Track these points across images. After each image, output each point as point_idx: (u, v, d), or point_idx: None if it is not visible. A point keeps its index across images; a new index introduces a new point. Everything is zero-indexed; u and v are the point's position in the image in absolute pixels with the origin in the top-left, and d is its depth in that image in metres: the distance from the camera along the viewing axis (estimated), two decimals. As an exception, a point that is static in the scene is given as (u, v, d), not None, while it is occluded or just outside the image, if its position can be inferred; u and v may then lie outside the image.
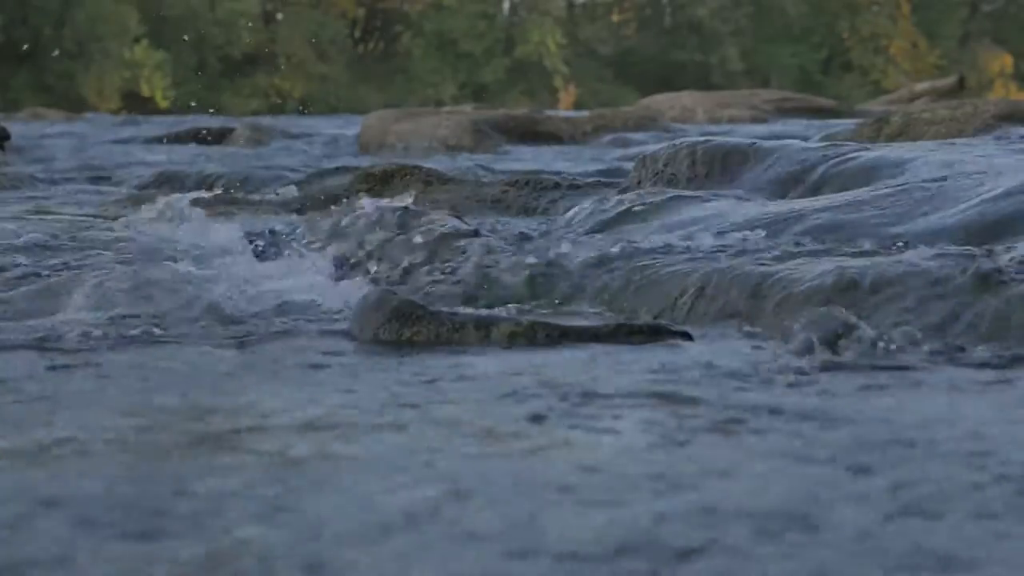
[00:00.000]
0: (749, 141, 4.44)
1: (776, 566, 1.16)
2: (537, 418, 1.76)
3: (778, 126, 12.66)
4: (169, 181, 7.01)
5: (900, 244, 2.84)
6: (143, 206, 4.15)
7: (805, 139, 6.39)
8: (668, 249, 2.94)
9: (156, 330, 2.51)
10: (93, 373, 2.13)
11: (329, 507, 1.35)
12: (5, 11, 42.09)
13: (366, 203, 3.34)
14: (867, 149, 4.05)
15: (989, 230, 2.81)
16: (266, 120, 17.23)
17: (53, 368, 2.17)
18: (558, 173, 6.00)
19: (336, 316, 2.67)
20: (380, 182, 5.51)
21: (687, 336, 2.36)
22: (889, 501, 1.35)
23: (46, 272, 3.30)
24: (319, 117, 24.42)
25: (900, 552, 1.20)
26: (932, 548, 1.21)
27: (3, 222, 4.77)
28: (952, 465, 1.49)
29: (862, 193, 3.35)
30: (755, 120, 14.14)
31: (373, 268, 3.12)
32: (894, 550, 1.20)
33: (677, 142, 4.52)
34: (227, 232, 3.66)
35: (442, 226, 3.22)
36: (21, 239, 4.05)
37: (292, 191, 6.15)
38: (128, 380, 2.09)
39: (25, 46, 39.53)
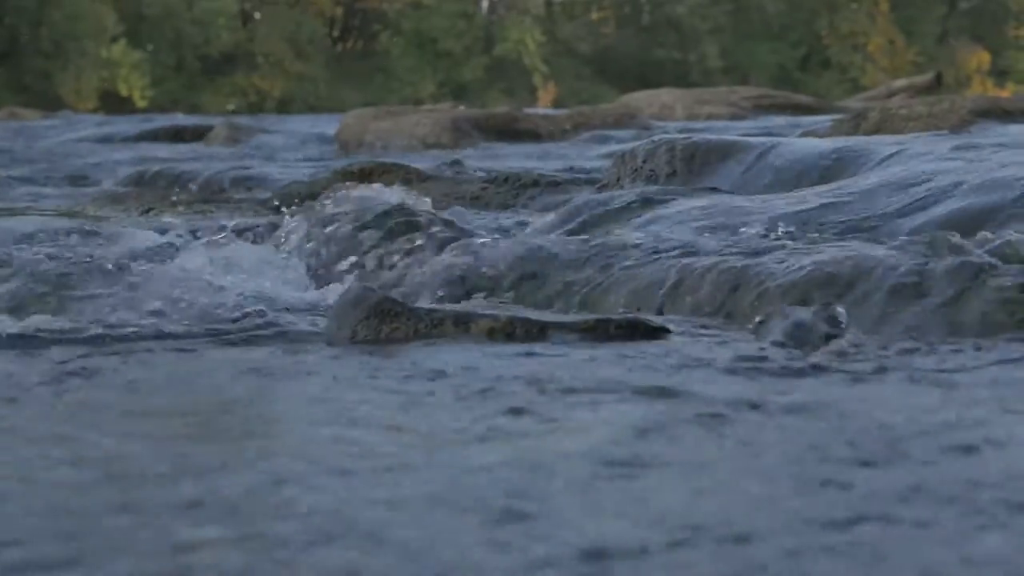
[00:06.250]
0: (727, 138, 4.45)
1: (758, 562, 1.17)
2: (515, 413, 1.75)
3: (757, 123, 12.68)
4: (147, 180, 6.98)
5: (878, 237, 2.85)
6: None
7: (784, 135, 6.41)
8: (647, 245, 2.94)
9: (134, 329, 2.50)
10: (68, 374, 2.12)
11: (301, 507, 1.35)
12: (-18, 11, 41.94)
13: (344, 197, 3.33)
14: (845, 144, 4.06)
15: (967, 223, 2.82)
16: (244, 119, 17.18)
17: (22, 368, 2.16)
18: (537, 171, 6.00)
19: (315, 313, 2.66)
20: (359, 180, 5.50)
21: (665, 331, 2.36)
22: (866, 496, 1.35)
23: (21, 272, 3.28)
24: (298, 116, 24.37)
25: (877, 547, 1.20)
26: (907, 544, 1.21)
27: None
28: (930, 459, 1.49)
29: (841, 187, 3.36)
30: (734, 117, 14.16)
31: (352, 264, 3.12)
32: (871, 546, 1.21)
33: (656, 139, 4.53)
34: (205, 230, 3.65)
35: (422, 222, 3.22)
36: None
37: (270, 189, 6.14)
38: (102, 381, 2.08)
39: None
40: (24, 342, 2.38)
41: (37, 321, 2.59)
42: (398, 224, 3.19)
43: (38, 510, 1.33)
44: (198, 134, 12.92)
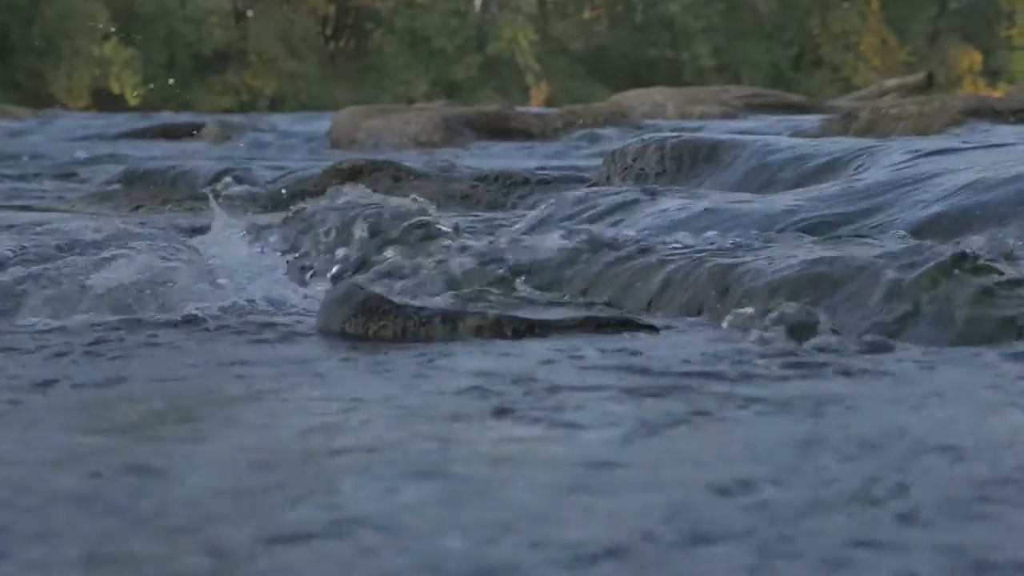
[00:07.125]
0: (717, 137, 4.46)
1: (741, 560, 1.17)
2: (502, 412, 1.75)
3: (748, 122, 12.70)
4: (137, 178, 6.98)
5: (866, 237, 2.86)
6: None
7: (775, 135, 6.42)
8: (635, 243, 2.95)
9: (120, 326, 2.50)
10: (57, 369, 2.12)
11: (287, 502, 1.35)
12: (-27, 10, 41.89)
13: (334, 196, 3.33)
14: (835, 144, 4.07)
15: (954, 223, 2.83)
16: (236, 117, 17.18)
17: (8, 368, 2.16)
18: (527, 169, 6.01)
19: (303, 311, 2.66)
20: (349, 177, 5.50)
21: (653, 329, 2.36)
22: (851, 493, 1.35)
23: (11, 268, 3.28)
24: (290, 114, 24.36)
25: (858, 542, 1.20)
26: (891, 538, 1.21)
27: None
28: (914, 456, 1.49)
29: (829, 187, 3.36)
30: (726, 116, 14.19)
31: (340, 262, 3.11)
32: (852, 541, 1.21)
33: (646, 137, 4.54)
34: (194, 228, 3.65)
35: (411, 220, 3.22)
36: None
37: (260, 187, 6.13)
38: (88, 376, 2.08)
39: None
40: (16, 339, 2.37)
41: (26, 318, 2.59)
42: (387, 223, 3.19)
43: (36, 501, 1.33)
44: (190, 132, 12.93)
